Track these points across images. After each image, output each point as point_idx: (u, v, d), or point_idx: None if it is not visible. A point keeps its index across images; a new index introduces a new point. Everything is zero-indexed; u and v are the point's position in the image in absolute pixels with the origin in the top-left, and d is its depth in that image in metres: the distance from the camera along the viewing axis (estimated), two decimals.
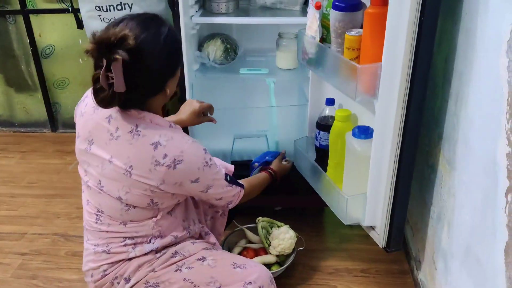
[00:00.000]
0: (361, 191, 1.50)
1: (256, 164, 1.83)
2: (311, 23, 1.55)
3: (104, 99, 1.15)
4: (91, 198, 1.35)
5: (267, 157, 1.83)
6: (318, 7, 1.49)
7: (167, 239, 1.36)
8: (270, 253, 1.75)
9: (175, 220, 1.38)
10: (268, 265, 1.72)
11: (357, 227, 1.65)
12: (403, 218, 1.47)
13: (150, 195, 1.27)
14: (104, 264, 1.36)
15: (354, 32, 1.37)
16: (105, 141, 1.26)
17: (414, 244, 1.75)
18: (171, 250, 1.37)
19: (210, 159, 1.31)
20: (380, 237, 1.51)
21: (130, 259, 1.35)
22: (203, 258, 1.37)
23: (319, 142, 1.70)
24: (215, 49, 1.94)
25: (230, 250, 1.80)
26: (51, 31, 2.75)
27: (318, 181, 1.72)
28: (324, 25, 1.53)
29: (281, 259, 1.75)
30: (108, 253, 1.35)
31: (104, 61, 1.10)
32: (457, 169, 1.28)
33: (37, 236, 2.06)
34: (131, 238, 1.33)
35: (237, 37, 2.08)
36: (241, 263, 1.38)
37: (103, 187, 1.29)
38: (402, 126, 1.33)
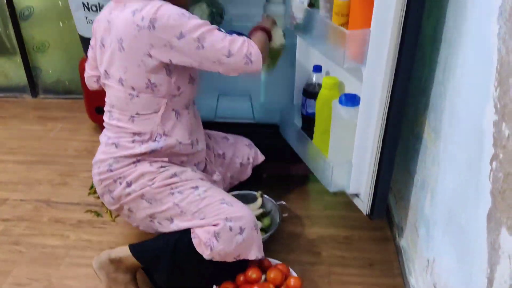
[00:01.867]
0: (347, 159, 1.51)
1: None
2: None
3: None
4: (106, 95, 1.50)
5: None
6: None
7: (172, 140, 1.45)
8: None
9: (180, 124, 1.47)
10: None
11: (341, 194, 1.67)
12: (387, 185, 1.49)
13: (145, 72, 1.35)
14: (111, 158, 1.45)
15: None
16: (114, 23, 1.38)
17: (397, 211, 1.78)
18: (172, 170, 1.45)
19: (190, 16, 1.31)
20: (364, 204, 1.53)
21: (136, 163, 1.44)
22: (196, 187, 1.44)
23: (306, 110, 1.69)
24: (200, 13, 1.89)
25: None
26: None
27: (304, 149, 1.72)
28: None
29: (266, 224, 1.76)
30: (117, 147, 1.46)
31: None
32: (442, 137, 1.29)
33: (19, 202, 2.04)
34: (139, 134, 1.44)
35: (223, 1, 2.02)
36: (230, 200, 1.43)
37: (108, 76, 1.43)
38: (389, 94, 1.32)
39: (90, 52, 1.62)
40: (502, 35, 0.92)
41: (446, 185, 1.25)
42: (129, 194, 1.46)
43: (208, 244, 1.36)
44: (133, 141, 1.45)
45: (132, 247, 1.47)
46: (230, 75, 1.40)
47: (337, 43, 1.35)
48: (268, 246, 1.74)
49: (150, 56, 1.33)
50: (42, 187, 2.14)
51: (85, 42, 2.31)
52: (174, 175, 1.45)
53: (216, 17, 1.93)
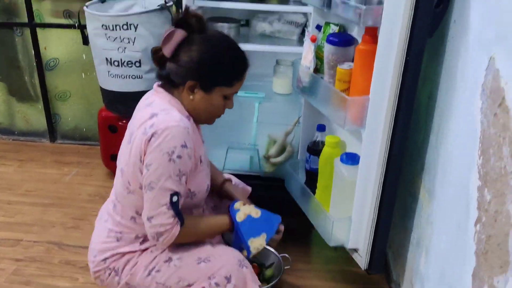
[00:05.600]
0: (347, 214, 1.58)
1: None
2: (307, 54, 1.65)
3: (153, 51, 1.37)
4: (115, 182, 1.47)
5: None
6: (313, 40, 1.59)
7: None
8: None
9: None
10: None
11: (342, 249, 1.72)
12: (385, 241, 1.55)
13: (139, 173, 1.32)
14: (110, 251, 1.42)
15: (346, 66, 1.47)
16: (137, 116, 1.39)
17: (395, 268, 1.83)
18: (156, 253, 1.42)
19: (179, 158, 1.26)
20: (362, 259, 1.59)
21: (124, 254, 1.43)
22: (170, 259, 1.39)
23: (309, 166, 1.79)
24: None
25: None
26: (57, 45, 2.83)
27: (307, 203, 1.80)
28: (318, 57, 1.63)
29: (268, 275, 1.82)
30: (118, 241, 1.43)
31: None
32: (435, 199, 1.37)
33: (32, 243, 2.12)
34: (144, 237, 1.42)
35: None
36: (205, 256, 1.38)
37: (119, 160, 1.42)
38: (387, 156, 1.42)
39: None
40: (484, 110, 1.03)
41: (438, 244, 1.32)
42: (118, 283, 1.43)
43: None
44: (135, 237, 1.43)
45: None
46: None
47: (339, 107, 1.47)
48: None
49: (141, 161, 1.32)
50: (55, 229, 2.22)
51: (105, 93, 2.46)
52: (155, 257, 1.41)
53: None
